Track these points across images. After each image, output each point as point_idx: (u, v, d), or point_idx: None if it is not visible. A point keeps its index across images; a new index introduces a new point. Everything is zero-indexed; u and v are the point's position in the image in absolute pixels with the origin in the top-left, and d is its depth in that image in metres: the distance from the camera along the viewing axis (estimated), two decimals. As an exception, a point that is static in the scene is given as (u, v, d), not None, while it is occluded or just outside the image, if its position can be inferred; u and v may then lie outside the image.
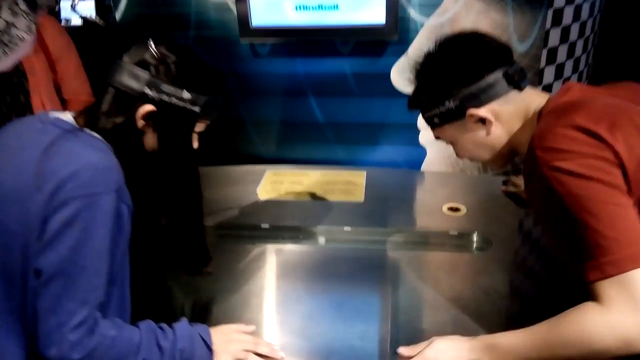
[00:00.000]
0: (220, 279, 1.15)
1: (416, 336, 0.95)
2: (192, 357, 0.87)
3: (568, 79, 1.99)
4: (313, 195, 1.55)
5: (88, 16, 3.05)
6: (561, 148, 0.78)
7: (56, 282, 0.76)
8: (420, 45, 1.76)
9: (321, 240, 1.38)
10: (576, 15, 1.88)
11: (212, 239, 1.37)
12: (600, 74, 2.29)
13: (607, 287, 0.74)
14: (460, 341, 0.88)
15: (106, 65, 0.91)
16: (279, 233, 1.39)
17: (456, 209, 1.43)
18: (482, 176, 1.84)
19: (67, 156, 0.80)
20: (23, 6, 1.37)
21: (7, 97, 1.46)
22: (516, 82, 0.93)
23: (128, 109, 0.88)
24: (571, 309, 0.78)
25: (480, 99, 0.93)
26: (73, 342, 0.75)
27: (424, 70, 0.99)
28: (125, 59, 0.89)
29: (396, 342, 0.95)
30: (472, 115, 0.94)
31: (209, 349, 0.89)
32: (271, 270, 1.23)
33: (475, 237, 1.33)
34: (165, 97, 0.88)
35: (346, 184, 1.62)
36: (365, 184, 1.61)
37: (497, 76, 0.92)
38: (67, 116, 0.90)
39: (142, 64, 0.88)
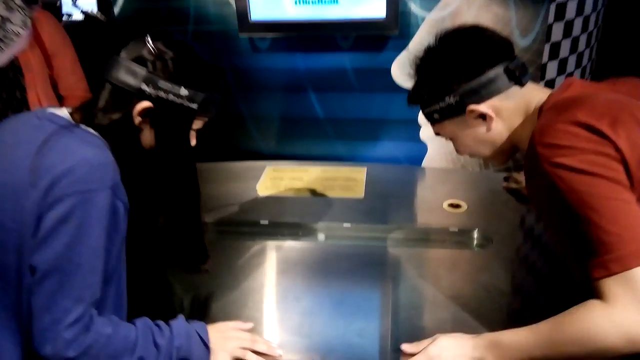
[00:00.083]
0: (219, 275, 1.15)
1: (416, 333, 0.95)
2: (189, 355, 0.86)
3: (571, 74, 1.97)
4: (313, 192, 1.54)
5: (89, 11, 3.04)
6: (562, 144, 0.78)
7: (51, 279, 0.75)
8: (421, 39, 1.75)
9: (321, 236, 1.37)
10: (579, 10, 1.86)
11: (211, 236, 1.38)
12: (603, 69, 2.27)
13: (612, 285, 0.73)
14: (463, 339, 0.88)
15: (105, 61, 0.90)
16: (278, 229, 1.38)
17: (457, 206, 1.42)
18: (484, 172, 1.83)
19: (63, 152, 0.79)
20: (18, 1, 1.36)
21: (2, 93, 1.45)
22: (517, 77, 0.92)
23: (125, 105, 0.87)
24: (575, 306, 0.77)
25: (480, 95, 0.92)
26: (68, 340, 0.74)
27: (423, 65, 0.98)
28: (123, 54, 0.88)
29: (396, 340, 0.94)
30: (472, 111, 0.93)
31: (206, 346, 0.89)
32: (270, 266, 1.23)
33: (475, 234, 1.32)
34: (162, 94, 0.87)
35: (346, 180, 1.61)
36: (365, 180, 1.60)
37: (497, 71, 0.91)
38: (64, 112, 0.89)
39: (140, 60, 0.87)
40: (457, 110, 0.94)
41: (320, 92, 1.90)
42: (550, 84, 1.89)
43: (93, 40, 2.25)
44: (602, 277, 0.74)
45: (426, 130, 1.88)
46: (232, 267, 1.20)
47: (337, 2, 1.72)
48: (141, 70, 0.86)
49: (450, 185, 1.56)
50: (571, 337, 0.76)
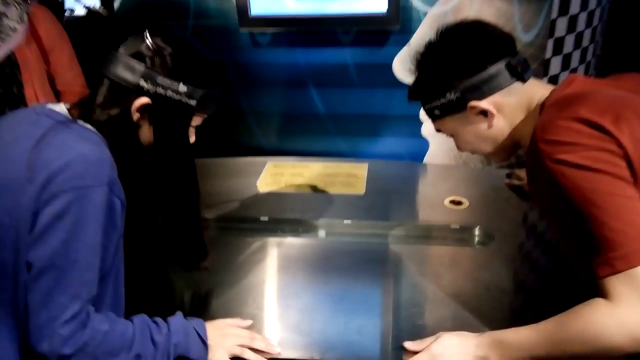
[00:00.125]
0: (219, 272, 1.15)
1: (416, 331, 0.94)
2: (186, 352, 0.86)
3: (575, 69, 1.96)
4: (314, 188, 1.54)
5: (92, 6, 3.03)
6: (564, 140, 0.77)
7: (47, 276, 0.75)
8: (423, 34, 1.73)
9: (321, 233, 1.37)
10: (584, 4, 1.84)
11: (211, 232, 1.37)
12: (608, 65, 2.25)
13: (617, 283, 0.72)
14: (467, 337, 0.87)
15: (104, 56, 0.90)
16: (279, 226, 1.38)
17: (459, 202, 1.41)
18: (486, 169, 1.81)
19: (59, 148, 0.79)
20: None
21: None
22: (519, 73, 0.91)
23: (123, 101, 0.87)
24: (579, 305, 0.76)
25: (482, 91, 0.91)
26: (64, 337, 0.74)
27: (424, 61, 0.97)
28: (121, 50, 0.88)
29: (396, 337, 0.94)
30: (473, 108, 0.92)
31: (204, 343, 0.88)
32: (271, 263, 1.22)
33: (477, 232, 1.31)
34: (160, 90, 0.86)
35: (347, 176, 1.60)
36: (366, 177, 1.59)
37: (499, 67, 0.90)
38: (62, 108, 0.89)
39: (138, 56, 0.86)
40: (458, 107, 0.93)
41: (321, 87, 1.88)
42: (553, 80, 1.87)
43: (96, 35, 2.24)
44: (606, 275, 0.73)
45: (428, 126, 1.87)
46: (232, 264, 1.20)
47: (338, -4, 1.70)
48: (139, 66, 0.85)
49: (452, 181, 1.55)
50: (575, 336, 0.75)
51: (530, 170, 0.84)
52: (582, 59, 1.98)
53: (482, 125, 0.95)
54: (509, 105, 0.92)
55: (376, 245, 1.31)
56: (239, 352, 0.90)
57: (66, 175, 0.76)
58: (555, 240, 0.85)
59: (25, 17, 1.38)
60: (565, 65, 1.90)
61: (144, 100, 0.86)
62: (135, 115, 0.88)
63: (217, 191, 1.50)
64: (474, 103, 0.92)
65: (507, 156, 1.01)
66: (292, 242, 1.33)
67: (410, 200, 1.48)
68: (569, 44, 1.87)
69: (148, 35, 0.88)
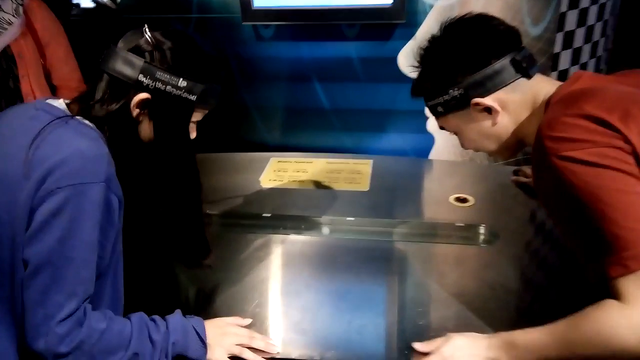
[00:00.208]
0: (221, 269, 1.14)
1: (419, 331, 0.93)
2: (185, 351, 0.86)
3: (585, 64, 1.92)
4: (317, 184, 1.52)
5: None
6: (570, 137, 0.75)
7: (44, 274, 0.74)
8: (429, 28, 1.71)
9: (325, 230, 1.36)
10: (595, -3, 1.80)
11: (214, 228, 1.37)
12: (620, 59, 2.20)
13: (629, 284, 0.70)
14: (477, 338, 0.86)
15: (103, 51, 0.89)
16: (282, 222, 1.37)
17: (464, 200, 1.39)
18: (492, 165, 1.79)
19: (56, 144, 0.78)
20: None
21: None
22: (524, 69, 0.89)
23: (122, 96, 0.86)
24: (591, 306, 0.75)
25: (486, 87, 0.89)
26: (61, 335, 0.74)
27: (427, 56, 0.96)
28: (120, 44, 0.87)
29: (399, 337, 0.93)
30: (477, 104, 0.91)
31: (203, 342, 0.87)
32: (273, 260, 1.21)
33: (482, 230, 1.29)
34: (160, 85, 0.85)
35: (351, 172, 1.59)
36: (371, 173, 1.57)
37: (504, 63, 0.88)
38: (60, 103, 0.88)
39: (137, 51, 0.85)
40: (462, 104, 0.92)
41: (326, 82, 1.87)
42: (563, 75, 1.84)
43: (103, 29, 2.23)
44: (619, 276, 0.71)
45: (433, 122, 1.84)
46: (234, 261, 1.19)
47: (342, -12, 1.68)
48: (138, 61, 0.84)
49: (457, 178, 1.53)
50: (587, 339, 0.73)
51: (536, 168, 0.82)
52: (593, 54, 1.94)
53: (486, 123, 0.93)
54: (514, 102, 0.90)
55: (380, 243, 1.29)
56: (237, 351, 0.89)
57: (63, 171, 0.75)
58: (563, 239, 0.83)
59: (21, 10, 1.37)
60: (575, 59, 1.86)
61: (143, 95, 0.85)
62: (135, 111, 0.87)
63: (219, 187, 1.49)
64: (477, 100, 0.90)
65: (511, 154, 0.99)
66: (295, 239, 1.31)
67: (415, 197, 1.47)
68: (579, 38, 1.83)
69: (147, 29, 0.86)
